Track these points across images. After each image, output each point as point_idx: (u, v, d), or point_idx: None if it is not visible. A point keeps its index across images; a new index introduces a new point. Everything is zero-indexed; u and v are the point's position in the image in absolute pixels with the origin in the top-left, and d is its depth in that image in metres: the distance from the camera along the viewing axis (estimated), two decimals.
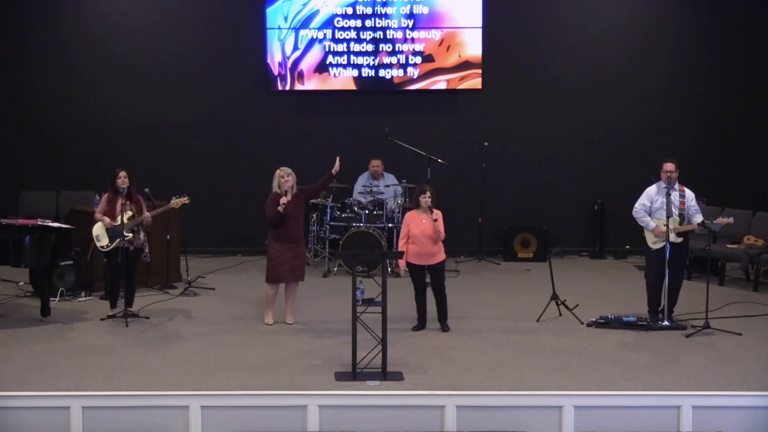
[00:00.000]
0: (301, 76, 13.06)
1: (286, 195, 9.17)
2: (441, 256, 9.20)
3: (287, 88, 13.12)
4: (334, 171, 9.46)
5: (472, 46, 12.92)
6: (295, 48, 13.00)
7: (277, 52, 12.99)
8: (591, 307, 9.84)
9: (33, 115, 13.17)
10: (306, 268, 11.93)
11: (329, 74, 13.05)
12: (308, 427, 7.19)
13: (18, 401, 7.20)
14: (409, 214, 9.28)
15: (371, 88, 13.12)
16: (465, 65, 12.97)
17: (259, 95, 13.18)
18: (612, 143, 13.28)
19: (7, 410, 7.16)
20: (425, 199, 9.09)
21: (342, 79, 13.07)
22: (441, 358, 8.28)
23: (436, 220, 9.02)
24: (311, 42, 13.00)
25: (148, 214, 9.59)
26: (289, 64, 13.03)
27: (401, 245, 9.23)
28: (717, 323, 9.18)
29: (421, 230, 9.09)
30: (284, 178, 9.24)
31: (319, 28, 12.97)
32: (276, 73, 13.03)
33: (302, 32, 12.99)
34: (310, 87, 13.11)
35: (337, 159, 9.48)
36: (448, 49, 12.93)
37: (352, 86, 13.11)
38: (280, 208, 9.08)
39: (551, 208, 13.27)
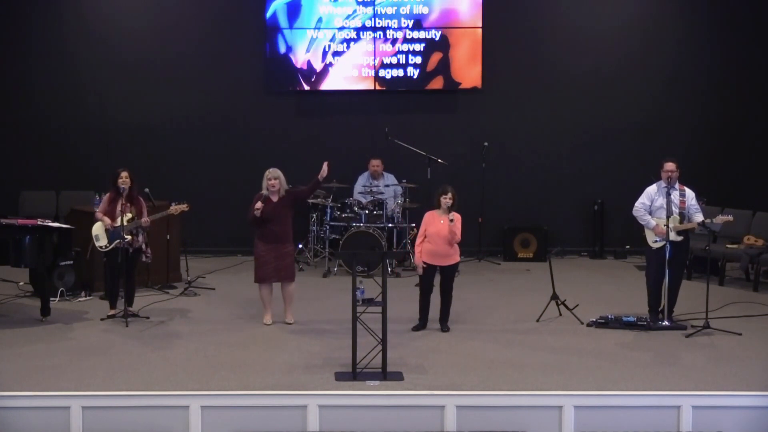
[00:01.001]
0: (300, 76, 13.06)
1: (269, 198, 9.20)
2: (455, 258, 9.19)
3: (287, 88, 13.11)
4: (320, 177, 9.37)
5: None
6: (295, 48, 13.00)
7: (276, 53, 12.98)
8: (591, 307, 9.83)
9: (33, 115, 13.18)
10: (306, 268, 12.04)
11: (329, 74, 13.05)
12: (308, 427, 7.19)
13: (18, 401, 7.20)
14: (428, 214, 9.23)
15: (371, 88, 13.11)
16: (469, 71, 13.00)
17: (259, 95, 13.18)
18: (612, 143, 13.28)
19: (7, 410, 7.16)
20: (446, 199, 9.07)
21: (342, 79, 13.06)
22: (441, 358, 8.28)
23: (452, 221, 9.00)
24: (311, 42, 13.00)
25: (147, 218, 9.60)
26: (288, 64, 13.03)
27: (417, 243, 9.22)
28: (717, 323, 9.18)
29: (437, 230, 9.08)
30: (270, 181, 9.25)
31: (319, 29, 12.97)
32: (275, 73, 13.02)
33: (302, 32, 12.98)
34: (310, 87, 13.11)
35: (325, 164, 9.39)
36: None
37: (351, 86, 13.10)
38: (256, 213, 9.12)
39: (551, 208, 13.27)
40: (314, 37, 13.00)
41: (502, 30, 13.04)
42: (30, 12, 13.01)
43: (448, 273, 9.18)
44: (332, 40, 12.99)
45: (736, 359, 8.29)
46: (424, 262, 9.13)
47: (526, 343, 8.83)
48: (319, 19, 12.96)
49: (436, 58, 13.00)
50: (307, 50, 13.01)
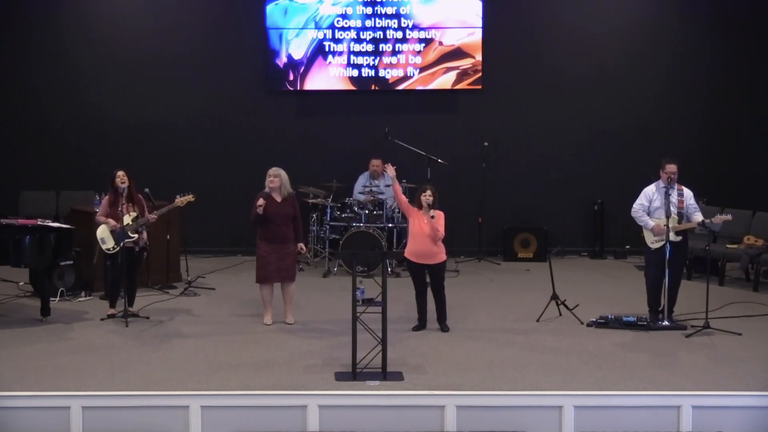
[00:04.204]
0: (300, 76, 13.06)
1: (271, 196, 9.22)
2: (441, 257, 9.19)
3: (287, 88, 13.12)
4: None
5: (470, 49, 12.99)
6: (295, 48, 13.00)
7: (276, 52, 12.99)
8: (591, 307, 9.84)
9: (33, 115, 13.18)
10: (306, 268, 12.04)
11: (329, 74, 13.05)
12: (308, 427, 7.19)
13: (18, 401, 7.20)
14: (415, 209, 9.26)
15: (371, 88, 13.12)
16: (469, 71, 13.00)
17: (259, 95, 13.18)
18: (612, 143, 13.28)
19: (7, 410, 7.16)
20: (426, 197, 9.10)
21: (342, 79, 13.07)
22: (441, 358, 8.29)
23: (433, 217, 9.02)
24: (311, 42, 13.00)
25: (154, 214, 9.59)
26: (288, 64, 13.03)
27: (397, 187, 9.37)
28: (717, 323, 9.18)
29: (421, 229, 9.09)
30: (270, 178, 9.29)
31: (319, 28, 12.97)
32: (275, 73, 13.03)
33: (302, 32, 12.99)
34: (310, 87, 13.11)
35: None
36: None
37: (351, 86, 13.11)
38: (258, 210, 9.13)
39: (551, 208, 13.27)
40: (314, 37, 13.00)
41: (502, 30, 13.04)
42: (30, 12, 13.01)
43: (437, 272, 9.18)
44: (332, 40, 12.99)
45: (736, 359, 8.29)
46: (411, 262, 9.16)
47: (526, 343, 8.83)
48: (319, 19, 12.96)
49: (436, 58, 13.01)
50: (307, 50, 13.02)
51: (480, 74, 13.00)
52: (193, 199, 9.90)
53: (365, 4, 12.94)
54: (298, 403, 7.24)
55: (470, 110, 13.26)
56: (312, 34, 12.99)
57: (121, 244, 9.38)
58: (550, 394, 7.35)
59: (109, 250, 9.53)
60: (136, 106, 13.13)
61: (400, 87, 13.10)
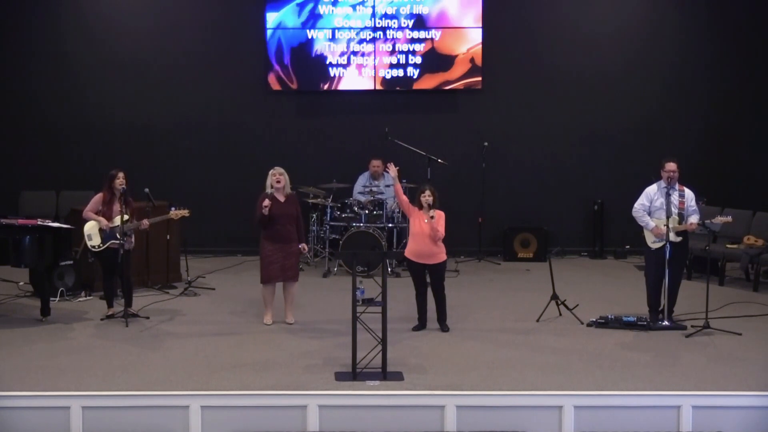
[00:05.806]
0: (300, 76, 13.06)
1: (275, 196, 9.23)
2: (441, 256, 9.19)
3: (287, 88, 13.12)
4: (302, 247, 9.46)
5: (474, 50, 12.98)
6: (295, 48, 13.00)
7: (276, 53, 12.99)
8: (591, 307, 9.84)
9: (33, 115, 13.18)
10: (306, 268, 12.04)
11: (329, 74, 13.05)
12: (308, 427, 7.20)
13: (18, 401, 7.20)
14: (416, 208, 9.26)
15: (371, 88, 13.11)
16: (469, 71, 13.00)
17: (259, 95, 13.18)
18: (612, 143, 13.28)
19: (7, 410, 7.16)
20: (425, 197, 9.10)
21: (342, 79, 13.06)
22: (441, 358, 8.29)
23: (432, 218, 9.02)
24: (311, 42, 13.00)
25: (146, 222, 9.59)
26: (288, 64, 13.03)
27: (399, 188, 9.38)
28: (717, 323, 9.18)
29: (421, 229, 9.10)
30: (276, 177, 9.29)
31: (319, 28, 12.97)
32: (275, 73, 13.03)
33: (302, 33, 12.98)
34: (310, 87, 13.11)
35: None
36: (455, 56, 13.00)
37: (351, 86, 13.10)
38: (264, 211, 9.13)
39: (551, 208, 13.27)
40: (314, 37, 13.00)
41: (502, 30, 13.04)
42: (30, 12, 13.01)
43: (437, 271, 9.18)
44: (332, 40, 12.98)
45: (736, 359, 8.29)
46: (411, 261, 9.17)
47: (526, 343, 8.83)
48: (319, 20, 12.96)
49: (436, 58, 13.00)
50: (307, 50, 13.01)
51: (480, 74, 13.00)
52: (187, 215, 9.92)
53: (365, 5, 12.93)
54: (298, 403, 7.25)
55: (470, 110, 13.26)
56: (312, 34, 12.99)
57: (107, 244, 9.39)
58: (550, 394, 7.36)
59: (93, 247, 9.53)
60: (136, 106, 13.13)
61: (401, 87, 13.09)
